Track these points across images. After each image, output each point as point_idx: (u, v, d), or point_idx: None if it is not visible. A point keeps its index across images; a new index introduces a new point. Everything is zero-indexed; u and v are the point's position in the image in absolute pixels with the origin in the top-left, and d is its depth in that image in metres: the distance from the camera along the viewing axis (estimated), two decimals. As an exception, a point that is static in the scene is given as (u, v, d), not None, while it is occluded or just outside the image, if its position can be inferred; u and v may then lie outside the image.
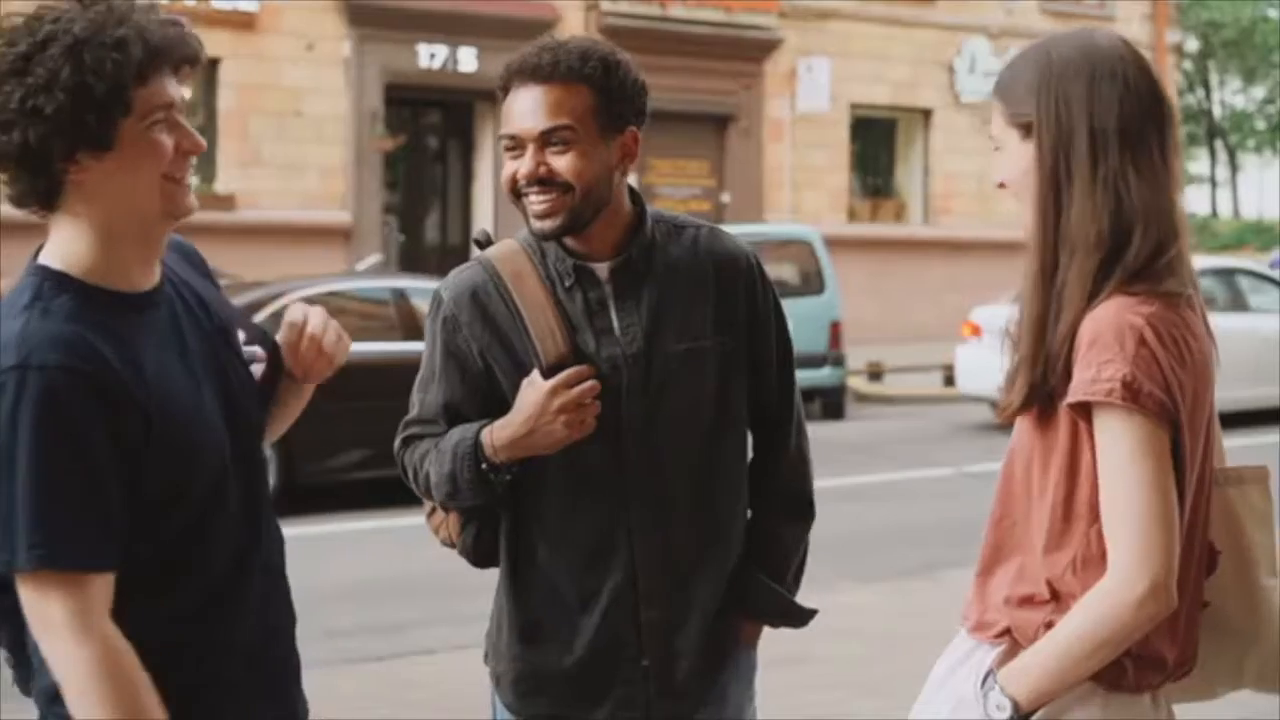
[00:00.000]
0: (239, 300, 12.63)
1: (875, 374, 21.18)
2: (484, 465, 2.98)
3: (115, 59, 2.36)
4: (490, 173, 23.52)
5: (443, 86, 23.42)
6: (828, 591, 8.61)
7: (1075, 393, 2.48)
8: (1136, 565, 2.43)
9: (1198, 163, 55.68)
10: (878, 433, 16.86)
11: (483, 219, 23.37)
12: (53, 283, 2.42)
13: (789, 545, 3.23)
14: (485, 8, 22.68)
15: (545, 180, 2.97)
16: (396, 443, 3.20)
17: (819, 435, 13.83)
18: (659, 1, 24.42)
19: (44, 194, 2.42)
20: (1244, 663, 2.71)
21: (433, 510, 3.23)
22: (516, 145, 3.00)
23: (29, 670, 2.49)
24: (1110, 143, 2.54)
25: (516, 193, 3.02)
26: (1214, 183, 55.91)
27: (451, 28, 22.67)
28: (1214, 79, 53.64)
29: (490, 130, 23.53)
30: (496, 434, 2.98)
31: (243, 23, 21.12)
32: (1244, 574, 2.69)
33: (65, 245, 2.45)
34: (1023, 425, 2.64)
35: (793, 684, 6.79)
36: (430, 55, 22.81)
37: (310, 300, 14.25)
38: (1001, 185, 2.69)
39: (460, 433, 3.04)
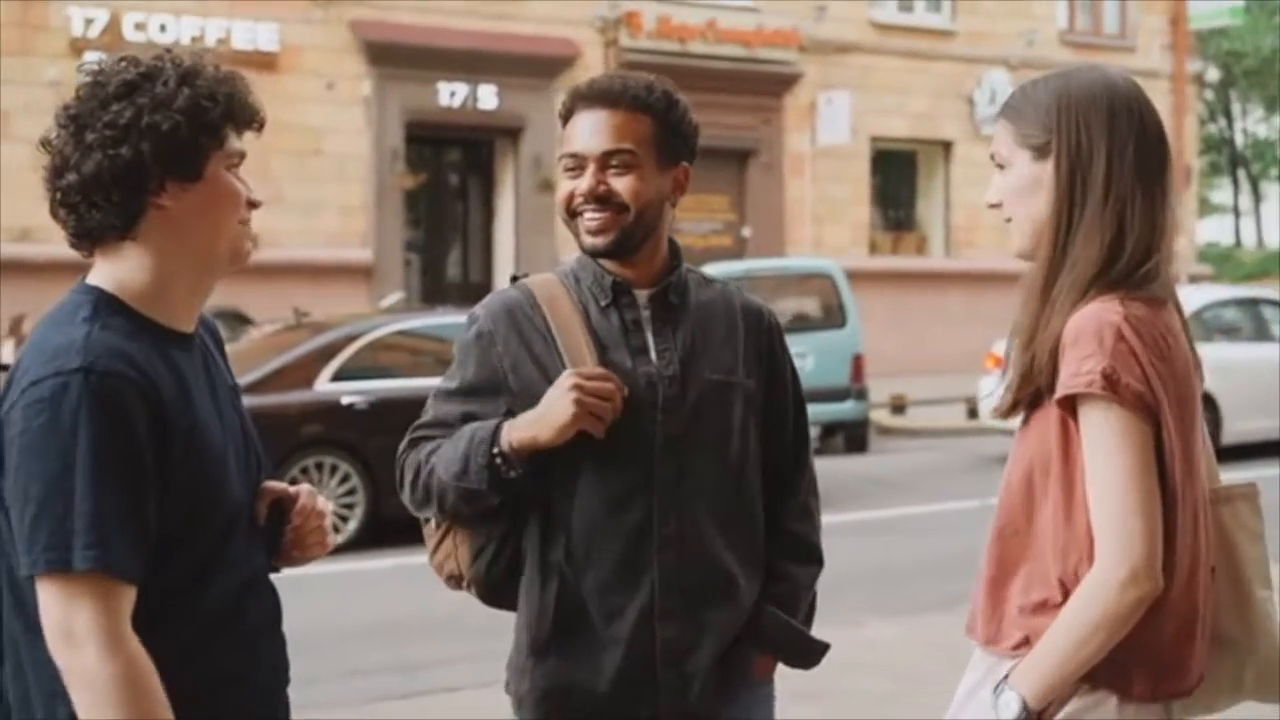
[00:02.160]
0: (317, 342, 12.74)
1: (898, 407, 21.13)
2: (496, 451, 3.00)
3: (224, 91, 2.53)
4: (511, 210, 23.59)
5: (463, 124, 23.52)
6: (852, 626, 8.58)
7: (1060, 388, 2.60)
8: (1117, 551, 2.54)
9: (1221, 192, 55.59)
10: (901, 466, 16.81)
11: (504, 256, 23.43)
12: (107, 304, 2.47)
13: (800, 583, 3.26)
14: (505, 46, 22.79)
15: (603, 198, 3.06)
16: (401, 445, 3.21)
17: (842, 469, 13.75)
18: (678, 37, 24.51)
19: (128, 220, 2.47)
20: (1244, 674, 2.80)
21: (438, 545, 3.22)
22: (577, 165, 3.09)
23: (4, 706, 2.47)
24: (1125, 173, 2.68)
25: (572, 211, 3.10)
26: (1237, 212, 55.78)
27: (471, 66, 22.77)
28: (1236, 108, 53.57)
29: (511, 167, 23.61)
30: (516, 422, 3.02)
31: (263, 63, 21.23)
32: (1239, 588, 2.79)
33: (123, 273, 2.50)
34: (1019, 438, 2.76)
35: (816, 719, 6.76)
36: (450, 93, 22.91)
37: (384, 339, 14.16)
38: (994, 205, 2.84)
39: (482, 422, 3.07)
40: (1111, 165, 2.67)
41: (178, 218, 2.49)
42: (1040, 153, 2.73)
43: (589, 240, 3.09)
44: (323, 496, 2.79)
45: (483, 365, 3.12)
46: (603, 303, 3.12)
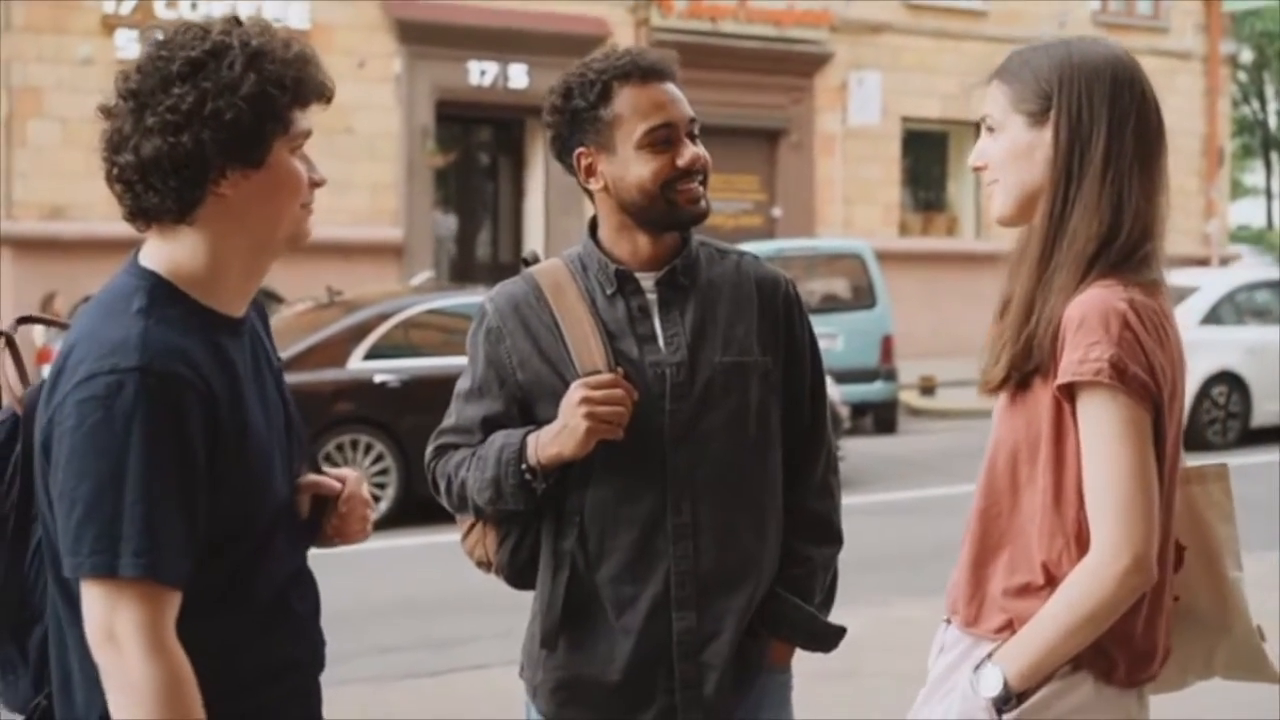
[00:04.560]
0: (349, 321, 12.80)
1: (927, 388, 21.08)
2: (525, 468, 3.00)
3: (293, 75, 2.40)
4: (541, 189, 23.56)
5: (493, 103, 23.47)
6: (880, 606, 8.60)
7: (1064, 374, 2.55)
8: (1120, 540, 2.50)
9: (1253, 174, 55.24)
10: (930, 447, 16.76)
11: (534, 235, 23.42)
12: (164, 291, 2.39)
13: (816, 565, 3.23)
14: (536, 24, 22.75)
15: (705, 168, 3.08)
16: (428, 451, 3.22)
17: (871, 450, 13.73)
18: (709, 16, 24.44)
19: (185, 207, 2.38)
20: (1215, 652, 2.81)
21: (469, 531, 3.23)
22: (671, 135, 3.05)
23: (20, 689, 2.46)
24: (1126, 146, 2.62)
25: (669, 181, 3.05)
26: (1269, 195, 55.42)
27: (502, 44, 22.74)
28: (1269, 90, 53.20)
29: (541, 147, 23.55)
30: (540, 438, 3.01)
31: (295, 41, 21.20)
32: (1212, 568, 2.78)
33: (178, 255, 2.42)
34: (1003, 418, 2.73)
35: (844, 699, 6.77)
36: (481, 72, 22.87)
37: (415, 318, 14.21)
38: (978, 169, 2.80)
39: (504, 438, 3.06)
40: (1111, 138, 2.62)
41: (237, 205, 2.41)
42: (1036, 119, 2.68)
43: (694, 210, 3.08)
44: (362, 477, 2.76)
45: (491, 362, 3.12)
46: (608, 291, 3.10)
